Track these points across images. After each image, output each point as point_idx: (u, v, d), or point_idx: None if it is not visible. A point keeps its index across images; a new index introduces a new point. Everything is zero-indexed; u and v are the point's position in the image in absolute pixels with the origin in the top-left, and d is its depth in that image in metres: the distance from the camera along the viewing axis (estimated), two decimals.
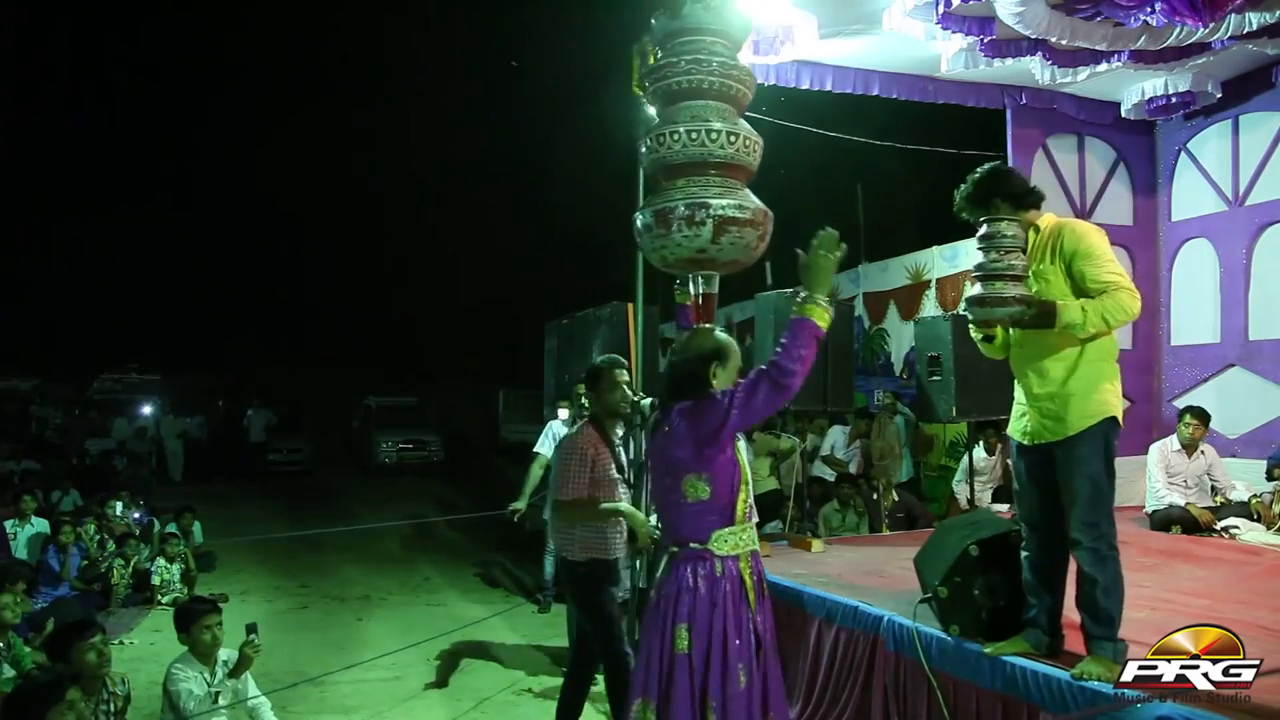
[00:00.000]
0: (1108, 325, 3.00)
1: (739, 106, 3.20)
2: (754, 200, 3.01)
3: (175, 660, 3.97)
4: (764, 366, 2.66)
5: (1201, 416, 6.10)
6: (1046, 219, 3.20)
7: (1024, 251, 3.08)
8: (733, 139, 3.07)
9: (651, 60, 3.31)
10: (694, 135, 3.03)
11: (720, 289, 3.48)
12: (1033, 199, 3.19)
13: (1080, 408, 3.05)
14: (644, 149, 3.18)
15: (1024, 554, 3.37)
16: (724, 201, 3.10)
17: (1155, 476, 6.11)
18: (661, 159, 3.11)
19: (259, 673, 4.88)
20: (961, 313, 3.25)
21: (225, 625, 4.19)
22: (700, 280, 3.27)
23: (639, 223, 3.13)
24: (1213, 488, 6.17)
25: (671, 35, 3.20)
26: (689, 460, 2.70)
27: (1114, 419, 3.08)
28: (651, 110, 6.05)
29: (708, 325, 3.05)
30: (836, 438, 8.91)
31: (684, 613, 2.66)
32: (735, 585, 2.72)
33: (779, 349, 2.65)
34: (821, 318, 2.66)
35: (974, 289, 3.08)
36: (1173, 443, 6.15)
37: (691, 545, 2.72)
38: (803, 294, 2.70)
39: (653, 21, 3.26)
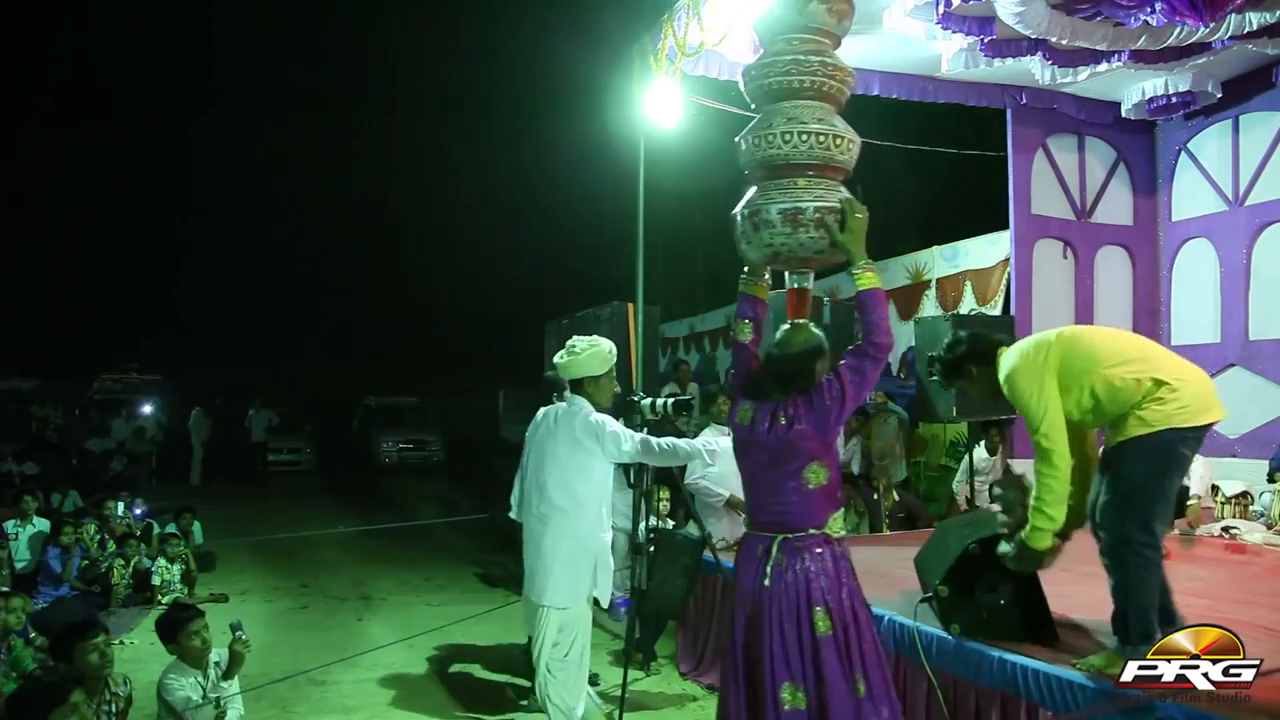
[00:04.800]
0: (1054, 501, 3.02)
1: (839, 106, 3.24)
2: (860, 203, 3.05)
3: (167, 670, 3.93)
4: (861, 346, 2.90)
5: None
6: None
7: (1024, 505, 3.18)
8: (843, 142, 3.13)
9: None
10: (821, 138, 3.06)
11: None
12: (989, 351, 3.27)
13: (1126, 428, 3.04)
14: (753, 144, 3.15)
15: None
16: (827, 204, 3.06)
17: None
18: (784, 156, 3.07)
19: (258, 672, 4.89)
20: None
21: (216, 626, 4.18)
22: (796, 277, 3.29)
23: (763, 215, 3.06)
24: (1213, 486, 6.16)
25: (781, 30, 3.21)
26: (815, 448, 2.86)
27: (1172, 430, 2.98)
28: (651, 111, 6.17)
29: (804, 321, 3.13)
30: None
31: (819, 596, 2.79)
32: (848, 563, 2.93)
33: (865, 328, 2.89)
34: (876, 281, 2.92)
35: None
36: None
37: (811, 531, 2.86)
38: (854, 268, 2.92)
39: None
